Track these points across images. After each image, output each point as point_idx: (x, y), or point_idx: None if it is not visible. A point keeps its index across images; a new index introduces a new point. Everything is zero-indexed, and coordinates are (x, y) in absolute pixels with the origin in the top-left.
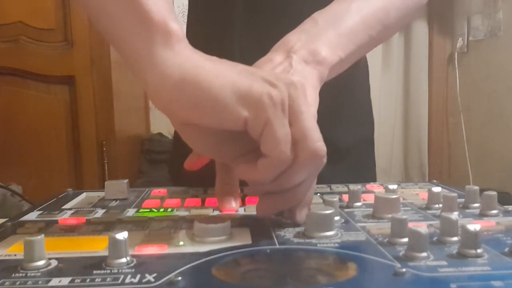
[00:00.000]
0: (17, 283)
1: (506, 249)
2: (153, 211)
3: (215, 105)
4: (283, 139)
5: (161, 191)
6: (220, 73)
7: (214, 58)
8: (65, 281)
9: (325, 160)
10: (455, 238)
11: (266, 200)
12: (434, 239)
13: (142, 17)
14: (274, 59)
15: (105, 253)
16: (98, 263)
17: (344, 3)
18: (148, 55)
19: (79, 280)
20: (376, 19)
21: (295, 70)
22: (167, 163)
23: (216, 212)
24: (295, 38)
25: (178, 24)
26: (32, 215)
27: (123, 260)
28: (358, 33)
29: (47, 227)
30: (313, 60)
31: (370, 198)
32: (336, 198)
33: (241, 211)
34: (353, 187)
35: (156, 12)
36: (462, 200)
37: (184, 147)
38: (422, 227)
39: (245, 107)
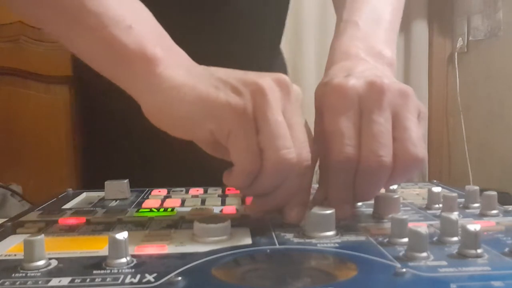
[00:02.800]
0: (17, 283)
1: (506, 249)
2: (153, 211)
3: (185, 123)
4: (243, 150)
5: (161, 191)
6: (190, 90)
7: (196, 69)
8: (65, 281)
9: (294, 167)
10: (455, 238)
11: (253, 201)
12: (434, 239)
13: (120, 53)
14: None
15: (105, 253)
16: (98, 263)
17: None
18: (135, 87)
19: (79, 280)
20: (399, 2)
21: (382, 71)
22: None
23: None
24: (353, 45)
25: (155, 43)
26: (32, 215)
27: (123, 260)
28: (396, 22)
29: (47, 227)
30: (382, 63)
31: None
32: None
33: (241, 211)
34: None
35: (131, 43)
36: (462, 200)
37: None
38: (422, 227)
39: (210, 120)
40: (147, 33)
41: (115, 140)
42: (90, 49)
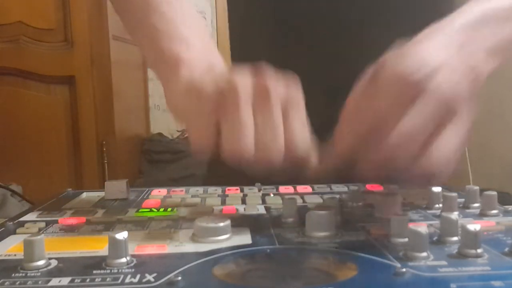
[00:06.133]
0: (17, 283)
1: (506, 249)
2: (153, 211)
3: (179, 115)
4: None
5: (161, 191)
6: (189, 86)
7: (212, 73)
8: (65, 281)
9: (242, 162)
10: (455, 238)
11: None
12: (434, 239)
13: (160, 55)
14: None
15: (105, 253)
16: (98, 263)
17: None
18: (167, 85)
19: (79, 280)
20: None
21: None
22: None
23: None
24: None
25: (188, 46)
26: (32, 215)
27: (123, 260)
28: None
29: (47, 227)
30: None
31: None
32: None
33: (241, 211)
34: (353, 187)
35: (170, 49)
36: (462, 200)
37: None
38: (422, 227)
39: (189, 110)
40: (184, 37)
41: None
42: (142, 46)
